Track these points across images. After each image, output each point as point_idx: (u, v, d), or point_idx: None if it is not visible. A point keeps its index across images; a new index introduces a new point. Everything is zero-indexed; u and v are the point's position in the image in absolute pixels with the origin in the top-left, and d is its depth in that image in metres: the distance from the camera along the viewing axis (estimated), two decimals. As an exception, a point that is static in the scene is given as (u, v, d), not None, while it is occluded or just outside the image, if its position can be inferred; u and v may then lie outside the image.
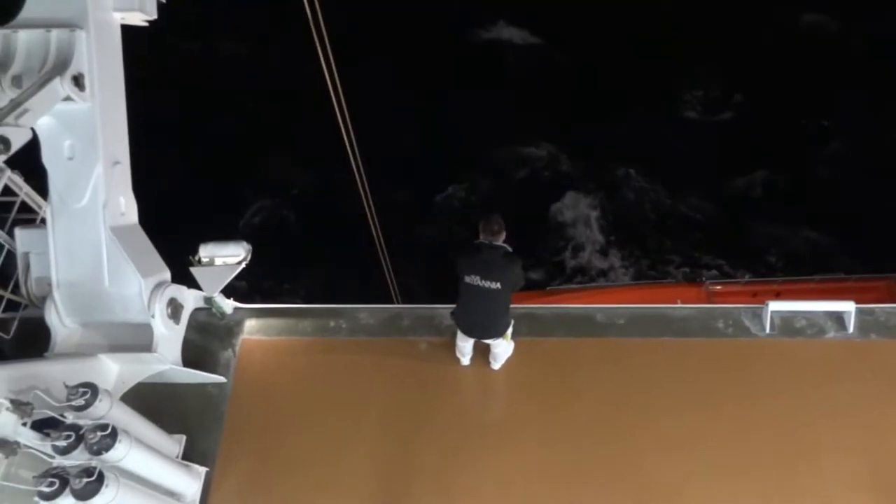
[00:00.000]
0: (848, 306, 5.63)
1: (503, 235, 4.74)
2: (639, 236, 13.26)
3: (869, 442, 5.05)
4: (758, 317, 5.77)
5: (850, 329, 5.62)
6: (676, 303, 9.91)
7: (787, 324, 5.73)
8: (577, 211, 13.60)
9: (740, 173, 13.68)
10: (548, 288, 12.09)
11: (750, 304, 6.36)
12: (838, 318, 5.71)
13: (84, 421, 3.94)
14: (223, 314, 6.02)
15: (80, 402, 3.98)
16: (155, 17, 5.26)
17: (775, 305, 5.69)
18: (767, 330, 5.68)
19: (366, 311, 6.09)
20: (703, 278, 10.84)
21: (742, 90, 14.92)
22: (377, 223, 7.00)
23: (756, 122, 14.31)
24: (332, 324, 6.00)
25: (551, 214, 13.66)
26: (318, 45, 5.46)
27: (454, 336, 5.49)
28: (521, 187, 13.90)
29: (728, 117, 14.73)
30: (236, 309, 6.12)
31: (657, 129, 14.40)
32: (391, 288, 7.92)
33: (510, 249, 4.77)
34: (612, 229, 13.36)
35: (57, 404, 4.02)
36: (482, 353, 5.57)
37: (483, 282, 4.73)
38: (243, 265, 5.73)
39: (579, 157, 14.28)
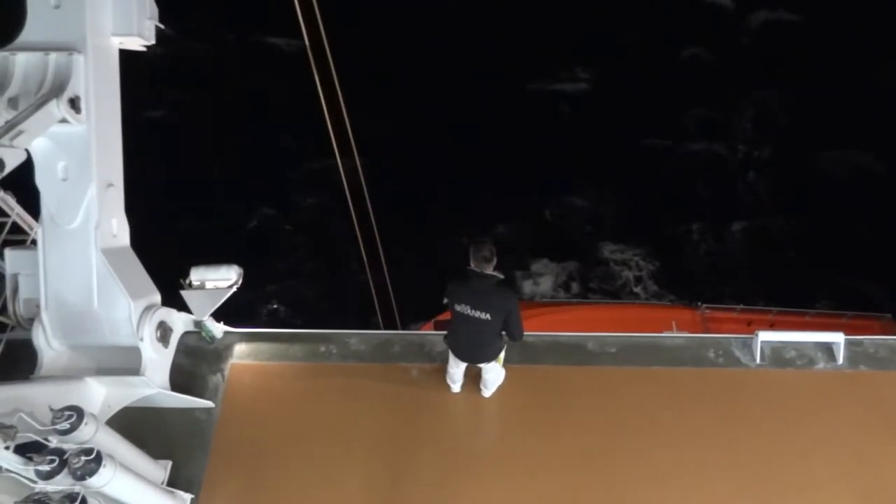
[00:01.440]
0: (837, 337, 5.66)
1: (494, 262, 4.66)
2: (642, 254, 13.36)
3: (858, 471, 5.04)
4: (748, 347, 5.79)
5: (840, 360, 5.65)
6: (671, 324, 10.12)
7: (777, 354, 5.75)
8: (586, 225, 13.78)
9: (752, 206, 13.87)
10: (545, 300, 12.09)
11: (743, 332, 6.37)
12: (828, 349, 5.74)
13: (68, 445, 3.87)
14: (213, 338, 5.98)
15: (65, 425, 3.92)
16: (153, 42, 5.32)
17: (765, 336, 5.71)
18: (758, 360, 5.70)
19: (356, 337, 6.06)
20: (699, 303, 10.89)
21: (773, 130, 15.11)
22: (380, 248, 7.04)
23: (779, 162, 14.51)
24: (322, 349, 5.96)
25: (555, 220, 13.79)
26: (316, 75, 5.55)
27: (445, 362, 5.47)
28: (522, 186, 13.97)
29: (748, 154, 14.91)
30: (226, 333, 6.07)
31: (674, 158, 14.63)
32: (378, 312, 7.94)
33: (502, 277, 4.71)
34: (619, 243, 13.46)
35: (41, 428, 3.94)
36: (473, 379, 5.54)
37: (473, 311, 4.71)
38: (234, 289, 5.71)
39: (596, 176, 14.44)
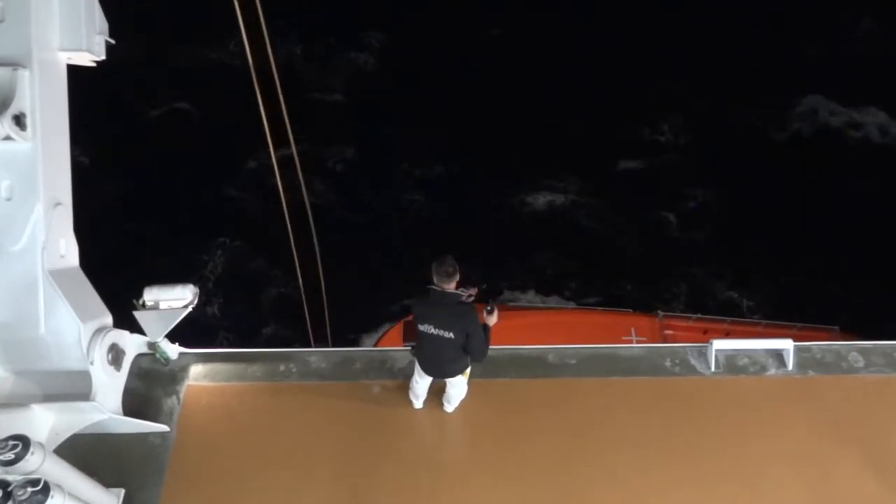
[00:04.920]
0: (786, 344, 5.87)
1: (457, 278, 4.64)
2: (600, 263, 13.55)
3: (808, 472, 5.22)
4: (703, 356, 5.94)
5: (790, 366, 5.85)
6: (630, 331, 10.44)
7: (730, 362, 5.92)
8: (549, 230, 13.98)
9: (707, 221, 14.16)
10: (508, 304, 12.15)
11: (700, 339, 6.53)
12: (778, 355, 5.94)
13: (13, 476, 3.73)
14: (167, 360, 5.82)
15: (10, 455, 3.78)
16: (103, 57, 5.22)
17: (719, 344, 5.87)
18: (712, 368, 5.85)
19: (317, 355, 5.99)
20: (658, 311, 11.15)
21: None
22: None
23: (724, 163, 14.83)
24: (281, 368, 5.87)
25: (515, 229, 13.93)
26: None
27: (407, 379, 5.46)
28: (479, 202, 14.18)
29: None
30: (181, 354, 5.92)
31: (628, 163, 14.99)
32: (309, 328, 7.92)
33: (464, 297, 4.69)
34: (577, 253, 13.65)
35: None
36: (435, 395, 5.53)
37: (437, 330, 4.72)
38: (189, 309, 5.57)
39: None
